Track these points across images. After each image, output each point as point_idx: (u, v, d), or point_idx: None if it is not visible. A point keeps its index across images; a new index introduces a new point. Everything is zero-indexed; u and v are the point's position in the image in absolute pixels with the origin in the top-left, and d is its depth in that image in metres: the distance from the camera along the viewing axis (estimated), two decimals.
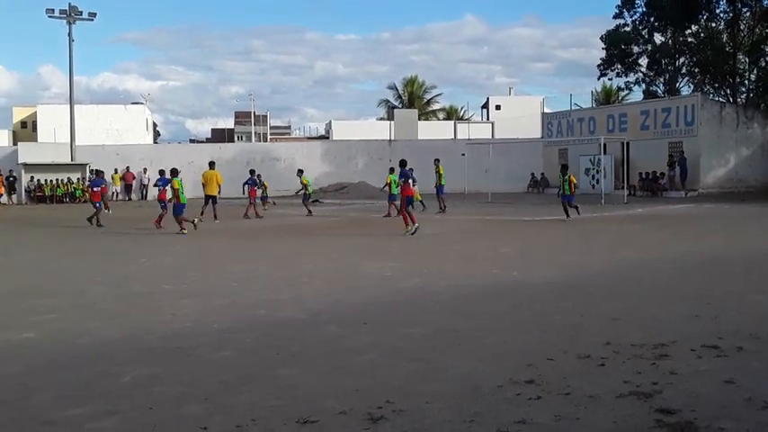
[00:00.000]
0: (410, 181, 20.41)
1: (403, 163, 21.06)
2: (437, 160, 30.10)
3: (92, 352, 7.62)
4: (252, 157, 50.06)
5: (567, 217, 23.65)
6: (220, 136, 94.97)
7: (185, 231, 21.00)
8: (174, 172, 22.62)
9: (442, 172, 29.50)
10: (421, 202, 29.61)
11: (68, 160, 45.27)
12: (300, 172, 30.00)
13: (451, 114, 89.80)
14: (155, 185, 26.91)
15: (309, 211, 28.40)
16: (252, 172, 29.47)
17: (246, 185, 28.44)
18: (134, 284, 12.21)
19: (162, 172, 24.57)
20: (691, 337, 7.55)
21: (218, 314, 9.50)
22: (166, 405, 5.81)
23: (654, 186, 40.06)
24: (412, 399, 5.78)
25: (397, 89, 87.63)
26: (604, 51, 51.69)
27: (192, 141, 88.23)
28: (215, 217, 25.48)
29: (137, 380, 6.53)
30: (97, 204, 25.28)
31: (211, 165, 27.22)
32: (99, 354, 7.52)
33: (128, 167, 46.36)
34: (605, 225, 22.68)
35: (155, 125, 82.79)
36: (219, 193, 26.38)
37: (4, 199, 43.77)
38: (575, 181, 24.56)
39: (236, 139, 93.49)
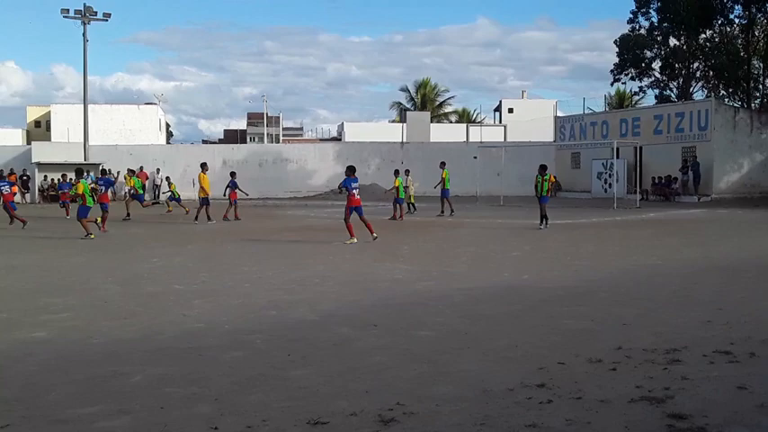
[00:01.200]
0: (355, 191, 18.77)
1: (350, 170, 19.25)
2: (443, 163, 29.95)
3: (103, 351, 7.65)
4: (264, 159, 50.22)
5: (543, 225, 22.25)
6: (233, 137, 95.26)
7: (92, 235, 20.03)
8: (80, 172, 21.70)
9: (445, 176, 29.29)
10: (413, 204, 29.59)
11: (82, 160, 45.43)
12: (163, 172, 29.61)
13: (464, 117, 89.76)
14: (97, 186, 25.88)
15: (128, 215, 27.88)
16: (233, 174, 29.16)
17: (228, 188, 28.13)
18: (146, 284, 12.25)
19: (104, 172, 24.39)
20: (703, 343, 7.53)
21: (230, 315, 9.51)
22: (177, 405, 5.82)
23: (666, 191, 39.95)
24: (422, 401, 5.78)
25: (409, 91, 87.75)
26: (618, 57, 51.56)
27: (204, 142, 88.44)
28: (195, 218, 26.04)
29: (148, 380, 6.54)
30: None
31: (202, 166, 27.14)
32: (110, 353, 7.55)
33: (141, 167, 46.51)
34: (617, 229, 22.61)
35: (168, 125, 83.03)
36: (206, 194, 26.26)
37: (18, 198, 43.96)
38: (554, 180, 23.55)
39: (248, 140, 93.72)
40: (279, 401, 5.85)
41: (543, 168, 23.63)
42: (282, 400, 5.88)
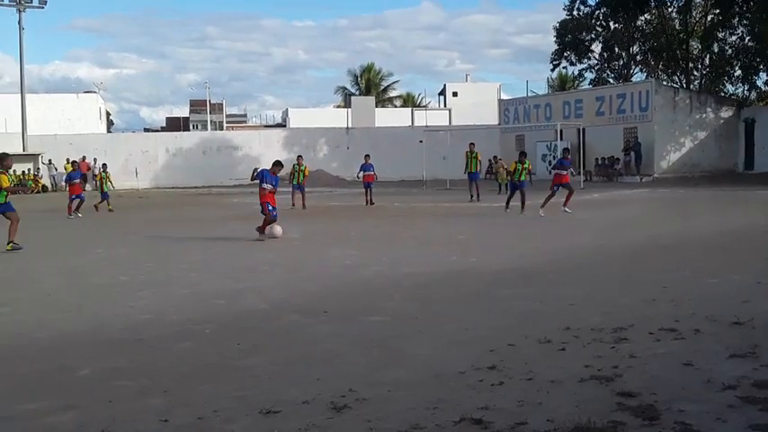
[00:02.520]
0: (267, 185, 16.82)
1: (277, 163, 17.95)
2: (471, 144, 29.39)
3: (48, 345, 7.50)
4: (208, 146, 49.76)
5: (507, 209, 22.07)
6: (175, 125, 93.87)
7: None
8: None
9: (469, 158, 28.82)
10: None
11: (20, 150, 44.59)
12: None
13: (408, 101, 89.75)
14: (66, 180, 26.26)
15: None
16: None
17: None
18: (90, 276, 12.04)
19: (75, 163, 24.57)
20: (648, 321, 7.63)
21: (177, 305, 9.39)
22: (126, 398, 5.72)
23: (610, 171, 40.54)
24: (375, 387, 5.77)
25: (355, 76, 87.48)
26: (556, 44, 51.83)
27: (146, 130, 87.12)
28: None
29: (95, 373, 6.43)
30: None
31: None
32: (56, 347, 7.40)
33: (84, 157, 45.75)
34: (561, 211, 22.82)
35: (108, 114, 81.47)
36: None
37: None
38: (530, 168, 23.08)
39: (191, 127, 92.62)
40: (230, 391, 5.79)
41: (523, 155, 23.23)
42: (233, 390, 5.82)
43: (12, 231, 15.16)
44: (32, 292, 10.60)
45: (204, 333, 7.82)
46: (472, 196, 27.22)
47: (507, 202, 22.44)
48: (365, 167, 27.42)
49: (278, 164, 17.86)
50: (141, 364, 6.66)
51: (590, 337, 7.07)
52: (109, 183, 28.11)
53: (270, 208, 16.48)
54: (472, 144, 28.36)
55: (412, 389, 5.72)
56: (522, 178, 22.28)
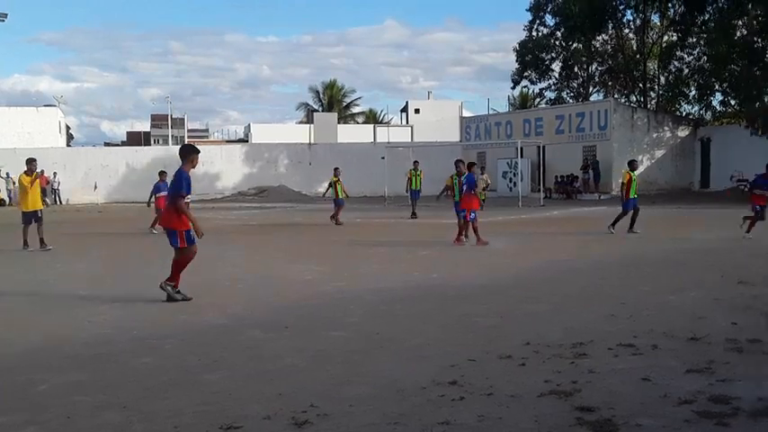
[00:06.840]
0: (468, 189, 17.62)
1: (469, 166, 18.19)
2: (415, 163, 29.93)
3: (8, 361, 7.39)
4: (169, 161, 49.34)
5: (613, 228, 19.66)
6: (136, 139, 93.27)
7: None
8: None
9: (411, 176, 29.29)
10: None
11: None
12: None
13: (371, 118, 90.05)
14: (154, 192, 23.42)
15: None
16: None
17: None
18: (49, 291, 11.89)
19: (163, 173, 23.07)
20: (607, 337, 7.73)
21: (138, 320, 9.32)
22: (85, 413, 5.67)
23: (569, 189, 40.99)
24: (336, 402, 5.78)
25: (317, 92, 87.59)
26: (517, 63, 52.34)
27: (106, 144, 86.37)
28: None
29: (55, 388, 6.36)
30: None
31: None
32: (15, 362, 7.30)
33: (42, 171, 45.11)
34: (523, 227, 23.04)
35: (68, 128, 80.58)
36: None
37: None
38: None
39: (152, 142, 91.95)
40: (190, 407, 5.77)
41: (633, 163, 20.76)
42: (194, 406, 5.79)
43: None
44: None
45: (165, 348, 7.76)
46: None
47: (616, 223, 19.93)
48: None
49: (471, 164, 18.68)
50: (100, 379, 6.60)
51: (550, 353, 7.14)
52: (343, 189, 25.72)
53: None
54: (417, 162, 29.49)
55: (373, 404, 5.74)
56: (633, 195, 19.92)
